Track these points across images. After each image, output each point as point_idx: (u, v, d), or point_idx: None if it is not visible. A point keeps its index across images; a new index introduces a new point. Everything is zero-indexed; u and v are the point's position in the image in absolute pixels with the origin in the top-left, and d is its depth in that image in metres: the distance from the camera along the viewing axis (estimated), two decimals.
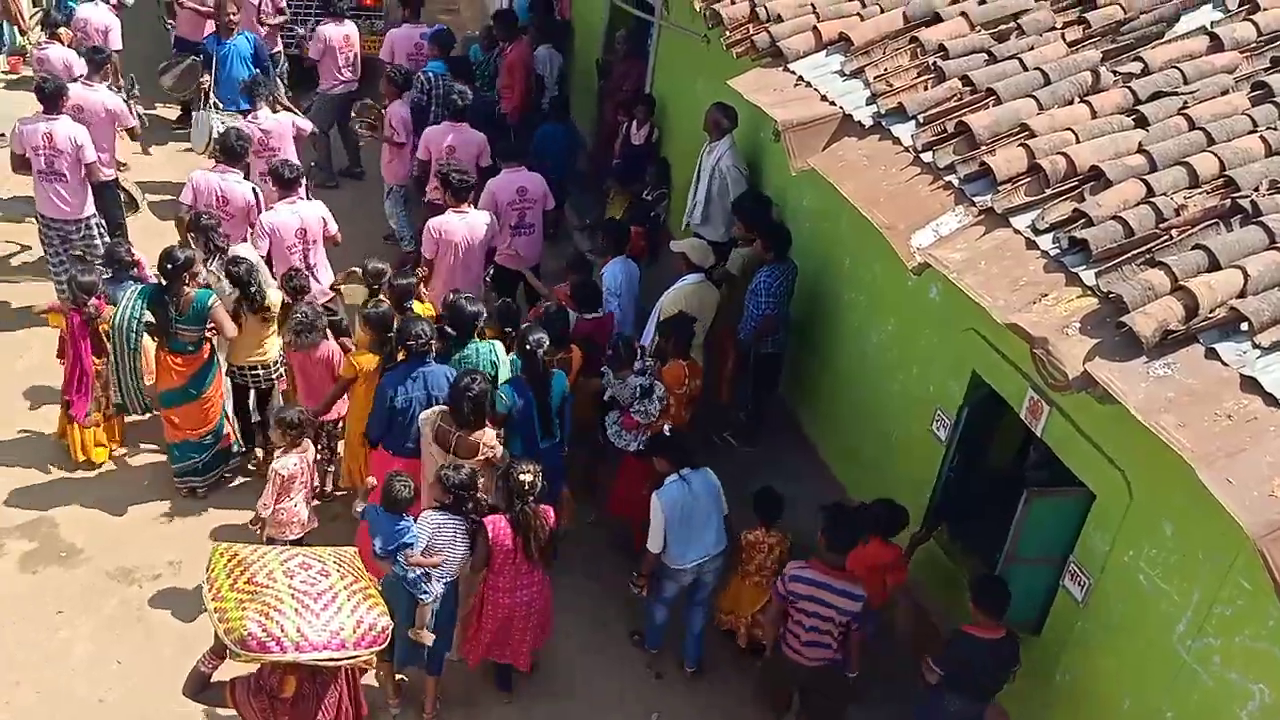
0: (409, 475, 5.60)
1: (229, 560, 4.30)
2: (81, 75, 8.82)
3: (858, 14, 6.33)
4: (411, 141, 9.17)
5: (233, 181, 7.78)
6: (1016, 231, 4.67)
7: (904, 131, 5.43)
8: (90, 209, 8.20)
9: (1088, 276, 4.31)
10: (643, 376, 6.49)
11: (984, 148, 5.02)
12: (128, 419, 7.44)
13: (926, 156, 5.22)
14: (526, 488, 5.41)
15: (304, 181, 7.87)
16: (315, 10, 11.42)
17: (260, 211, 7.80)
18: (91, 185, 8.17)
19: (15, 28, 11.71)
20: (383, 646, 4.35)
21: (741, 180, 8.06)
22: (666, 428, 6.27)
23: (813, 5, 6.51)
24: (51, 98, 7.90)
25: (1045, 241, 4.54)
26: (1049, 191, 4.71)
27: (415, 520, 5.48)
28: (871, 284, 6.83)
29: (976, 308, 4.52)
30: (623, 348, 6.56)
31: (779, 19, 6.52)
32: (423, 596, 5.43)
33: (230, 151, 7.85)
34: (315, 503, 6.58)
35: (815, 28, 6.30)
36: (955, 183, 5.00)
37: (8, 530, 6.74)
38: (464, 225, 7.66)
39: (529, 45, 10.55)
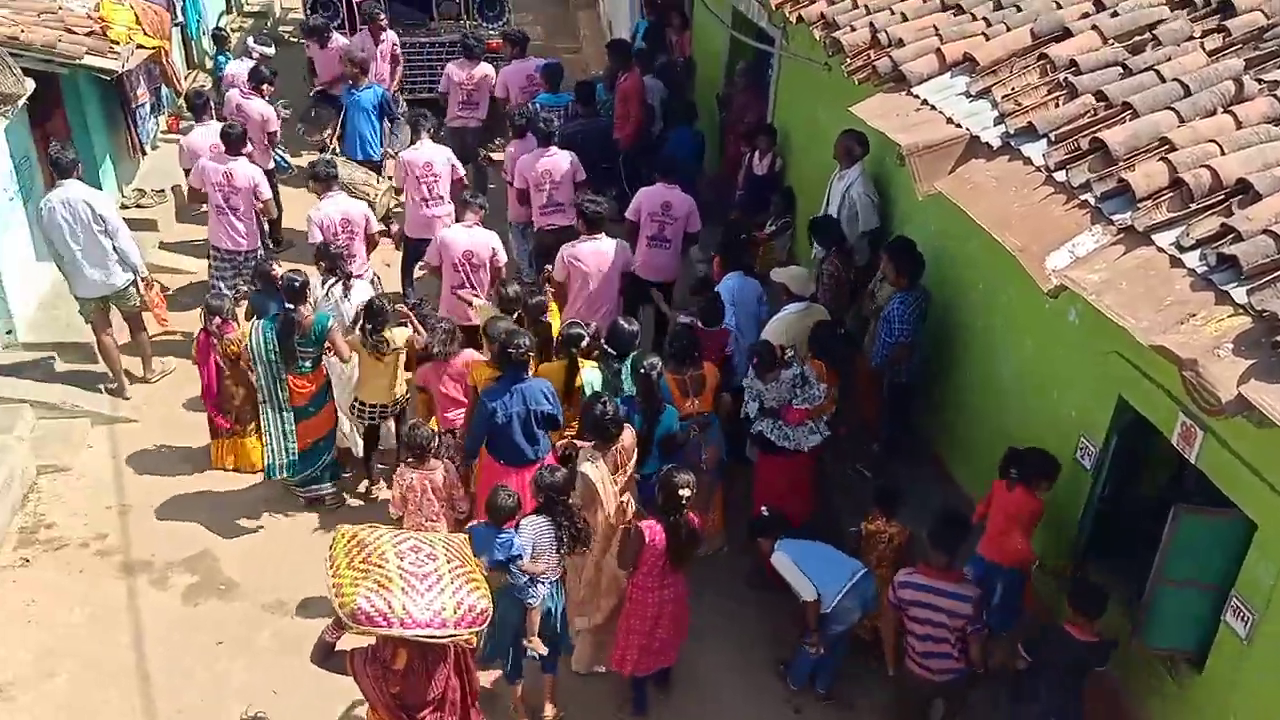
0: (513, 488, 5.89)
1: (348, 541, 4.66)
2: (274, 130, 10.25)
3: (983, 34, 6.22)
4: None
5: (343, 203, 8.54)
6: (1159, 249, 4.48)
7: (1035, 151, 5.29)
8: (258, 241, 9.04)
9: (1239, 294, 4.10)
10: (791, 367, 6.64)
11: (1121, 164, 4.85)
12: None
13: (1060, 175, 5.07)
14: (684, 500, 5.59)
15: (480, 209, 8.34)
16: (447, 55, 12.01)
17: (371, 225, 8.67)
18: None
19: (173, 89, 12.51)
20: (482, 627, 4.60)
21: (871, 207, 7.99)
22: (764, 509, 6.31)
23: (935, 28, 6.43)
24: (236, 142, 8.80)
25: (1191, 259, 4.34)
26: (1193, 206, 4.51)
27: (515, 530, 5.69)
28: (1006, 308, 6.65)
29: (1119, 330, 4.35)
30: (765, 351, 6.70)
31: (900, 43, 6.46)
32: (530, 600, 5.62)
33: (319, 178, 8.58)
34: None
35: (939, 50, 6.21)
36: (1091, 201, 4.84)
37: (174, 564, 7.14)
38: (594, 253, 7.89)
39: (640, 75, 10.76)
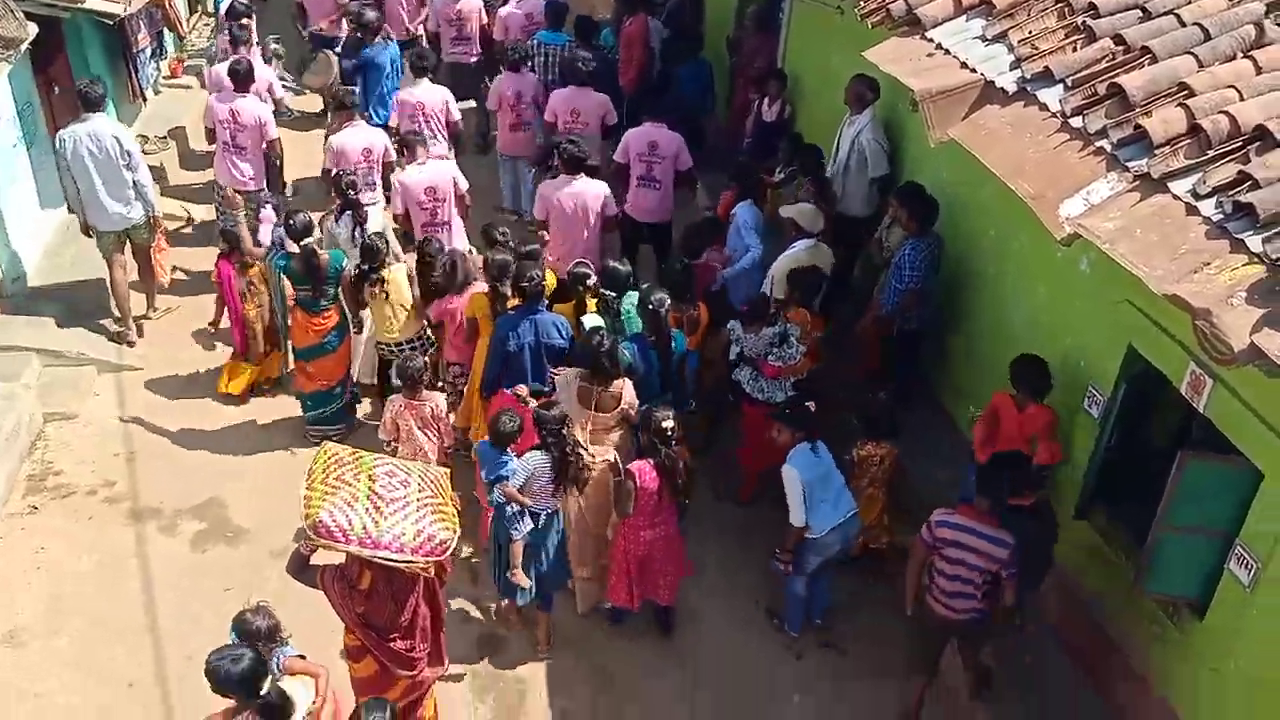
0: (516, 411, 5.92)
1: (328, 458, 4.81)
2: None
3: None
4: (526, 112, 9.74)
5: (366, 132, 8.67)
6: (1175, 197, 4.41)
7: (1051, 96, 5.20)
8: (264, 182, 8.96)
9: (1254, 243, 4.04)
10: (774, 325, 6.79)
11: (1138, 109, 4.76)
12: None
13: (1076, 122, 4.98)
14: (669, 433, 5.68)
15: (424, 145, 8.45)
16: None
17: (390, 154, 8.77)
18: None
19: (175, 34, 12.36)
20: (441, 558, 4.72)
21: (881, 153, 7.91)
22: (810, 404, 6.36)
23: None
24: (243, 78, 8.73)
25: (1207, 207, 4.28)
26: (1211, 153, 4.44)
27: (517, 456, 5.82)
28: (1018, 257, 6.59)
29: (1132, 279, 4.30)
30: (757, 303, 6.89)
31: None
32: (514, 532, 5.76)
33: (342, 104, 8.80)
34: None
35: None
36: (1107, 148, 4.76)
37: (183, 511, 7.17)
38: (573, 193, 7.89)
39: (646, 19, 10.61)
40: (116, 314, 8.61)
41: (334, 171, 8.22)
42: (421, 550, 4.58)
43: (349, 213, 7.85)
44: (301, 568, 4.86)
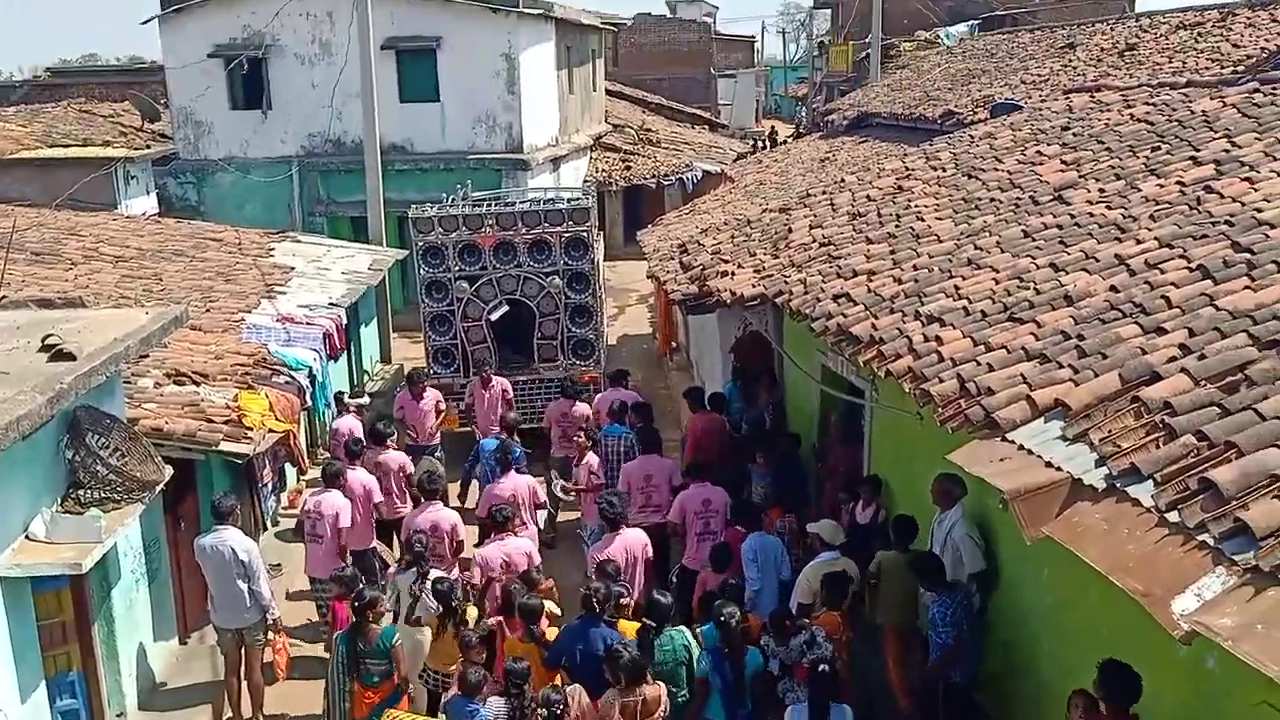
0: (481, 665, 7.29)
1: None
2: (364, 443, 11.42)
3: (1071, 380, 6.35)
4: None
5: (434, 513, 9.89)
6: None
7: (1142, 493, 5.21)
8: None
9: None
10: (802, 634, 7.49)
11: (1235, 503, 4.74)
12: None
13: (1172, 516, 4.95)
14: None
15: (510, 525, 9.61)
16: (547, 390, 14.20)
17: (458, 533, 9.92)
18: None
19: (297, 468, 13.26)
20: None
21: (976, 549, 7.87)
22: (823, 667, 7.01)
23: (1022, 375, 6.59)
24: (331, 478, 10.19)
25: None
26: None
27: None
28: (1138, 656, 6.27)
29: (1265, 678, 4.07)
30: (775, 619, 7.69)
31: (990, 391, 6.61)
32: None
33: (422, 488, 10.17)
34: None
35: (1028, 396, 6.33)
36: (1210, 542, 4.69)
37: None
38: (622, 541, 9.08)
39: (718, 418, 12.11)
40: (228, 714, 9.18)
41: (405, 537, 9.70)
42: None
43: (414, 568, 8.96)
44: None
